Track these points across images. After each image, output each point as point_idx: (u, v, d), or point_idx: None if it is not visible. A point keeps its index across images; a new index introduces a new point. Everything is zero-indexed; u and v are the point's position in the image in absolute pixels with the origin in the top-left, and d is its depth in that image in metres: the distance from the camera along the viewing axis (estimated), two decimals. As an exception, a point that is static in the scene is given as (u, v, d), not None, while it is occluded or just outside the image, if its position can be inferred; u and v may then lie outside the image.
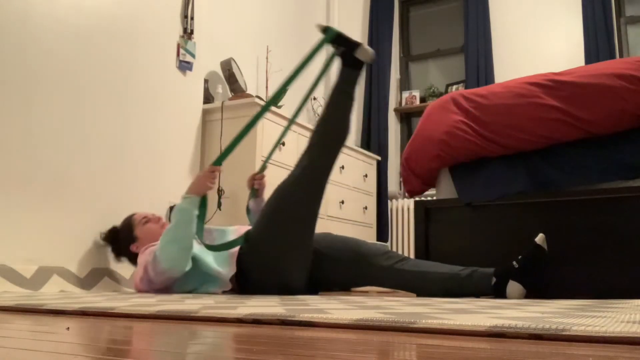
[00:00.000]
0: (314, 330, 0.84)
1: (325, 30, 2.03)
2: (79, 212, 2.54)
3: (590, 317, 0.91)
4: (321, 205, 2.04)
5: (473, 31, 4.56)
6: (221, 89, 3.52)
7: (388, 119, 4.82)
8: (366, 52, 2.00)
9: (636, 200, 1.96)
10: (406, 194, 4.62)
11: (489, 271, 1.91)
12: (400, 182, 4.84)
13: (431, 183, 2.48)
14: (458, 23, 4.95)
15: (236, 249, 2.08)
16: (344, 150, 4.07)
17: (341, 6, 5.32)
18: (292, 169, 2.19)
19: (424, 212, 2.36)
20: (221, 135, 3.27)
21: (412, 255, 4.43)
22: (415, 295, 2.09)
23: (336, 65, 2.66)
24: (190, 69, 3.23)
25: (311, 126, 3.65)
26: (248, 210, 2.40)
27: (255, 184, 2.40)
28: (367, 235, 4.27)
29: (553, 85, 2.09)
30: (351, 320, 0.88)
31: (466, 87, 4.52)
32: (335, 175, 3.92)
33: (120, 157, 2.77)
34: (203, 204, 2.10)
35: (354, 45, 2.01)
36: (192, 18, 3.23)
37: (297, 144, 3.52)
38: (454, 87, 4.77)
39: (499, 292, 1.87)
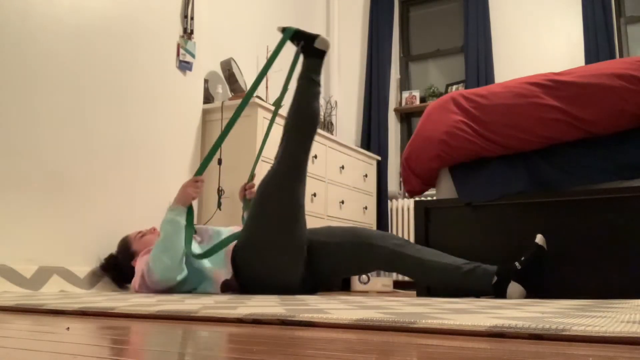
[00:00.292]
0: (314, 330, 0.84)
1: (284, 30, 2.20)
2: (79, 212, 2.54)
3: (590, 317, 0.91)
4: (305, 192, 2.10)
5: (473, 31, 4.56)
6: (221, 89, 3.52)
7: (388, 119, 4.82)
8: (324, 42, 2.16)
9: (636, 200, 1.96)
10: (406, 194, 4.62)
11: (491, 269, 1.91)
12: (400, 182, 4.84)
13: (431, 183, 2.48)
14: (458, 23, 4.95)
15: (230, 247, 2.09)
16: (344, 150, 4.08)
17: (341, 6, 5.32)
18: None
19: (424, 212, 2.36)
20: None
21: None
22: (414, 280, 2.08)
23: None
24: (190, 69, 3.23)
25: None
26: (244, 221, 2.41)
27: (247, 194, 2.43)
28: (367, 235, 4.26)
29: (553, 85, 2.09)
30: (351, 320, 0.88)
31: (466, 87, 4.52)
32: (335, 175, 3.92)
33: (120, 157, 2.77)
34: (189, 213, 2.13)
35: (313, 37, 2.16)
36: (192, 18, 3.23)
37: (297, 144, 3.51)
38: (454, 87, 4.77)
39: (499, 292, 1.87)
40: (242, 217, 2.45)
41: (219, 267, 2.07)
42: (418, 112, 4.98)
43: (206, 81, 3.47)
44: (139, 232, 2.38)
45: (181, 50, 3.16)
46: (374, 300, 1.56)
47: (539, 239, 1.93)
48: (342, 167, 4.02)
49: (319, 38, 2.15)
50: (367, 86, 4.96)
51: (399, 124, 5.09)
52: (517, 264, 1.89)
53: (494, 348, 0.64)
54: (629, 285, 1.93)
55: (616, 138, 2.06)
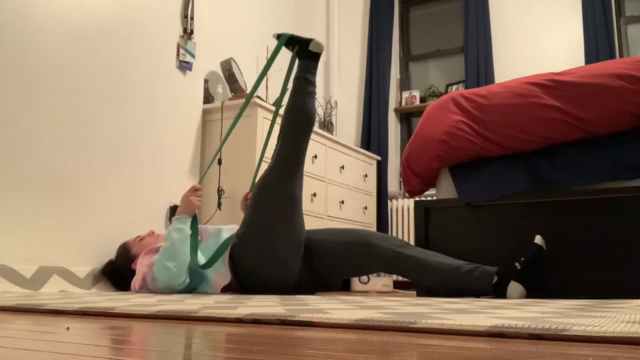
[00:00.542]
0: (314, 330, 0.84)
1: (279, 36, 2.27)
2: (79, 212, 2.54)
3: (590, 317, 0.91)
4: (302, 188, 2.15)
5: (473, 31, 4.56)
6: (221, 89, 3.52)
7: (388, 119, 4.82)
8: (318, 44, 2.23)
9: (636, 200, 1.96)
10: (406, 194, 4.62)
11: (491, 269, 1.91)
12: (400, 182, 4.84)
13: (431, 183, 2.48)
14: (458, 23, 4.95)
15: (228, 248, 2.10)
16: (344, 150, 4.08)
17: (341, 6, 5.32)
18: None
19: (424, 212, 2.36)
20: (221, 135, 3.27)
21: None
22: (414, 282, 2.09)
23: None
24: (190, 69, 3.23)
25: (311, 126, 3.66)
26: None
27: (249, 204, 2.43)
28: (367, 235, 4.26)
29: (553, 85, 2.09)
30: (351, 320, 0.88)
31: (466, 87, 4.52)
32: (335, 175, 3.92)
33: (120, 157, 2.77)
34: (194, 223, 2.15)
35: (307, 41, 2.23)
36: (192, 18, 3.23)
37: (297, 144, 3.51)
38: (454, 87, 4.77)
39: (499, 292, 1.87)
40: None
41: (218, 271, 2.08)
42: (418, 112, 4.98)
43: (206, 81, 3.47)
44: (138, 237, 2.39)
45: (181, 50, 3.16)
46: (374, 300, 1.56)
47: (538, 239, 1.94)
48: (342, 167, 4.02)
49: (313, 41, 2.22)
50: (367, 86, 4.96)
51: (399, 124, 5.09)
52: (517, 264, 1.89)
53: (494, 348, 0.64)
54: (629, 285, 1.93)
55: (616, 138, 2.06)
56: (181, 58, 3.16)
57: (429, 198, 4.14)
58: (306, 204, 3.54)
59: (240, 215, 3.06)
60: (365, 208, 4.30)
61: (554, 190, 2.12)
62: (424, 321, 0.83)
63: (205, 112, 3.35)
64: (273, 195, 2.09)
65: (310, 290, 2.18)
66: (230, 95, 3.58)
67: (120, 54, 2.81)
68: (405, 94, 4.98)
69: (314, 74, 2.23)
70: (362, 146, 4.83)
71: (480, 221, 2.24)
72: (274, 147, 3.01)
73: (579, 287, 2.01)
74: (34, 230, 2.35)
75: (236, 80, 3.49)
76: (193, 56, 3.24)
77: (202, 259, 2.11)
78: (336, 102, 4.94)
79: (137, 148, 2.87)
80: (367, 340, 0.71)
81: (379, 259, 2.05)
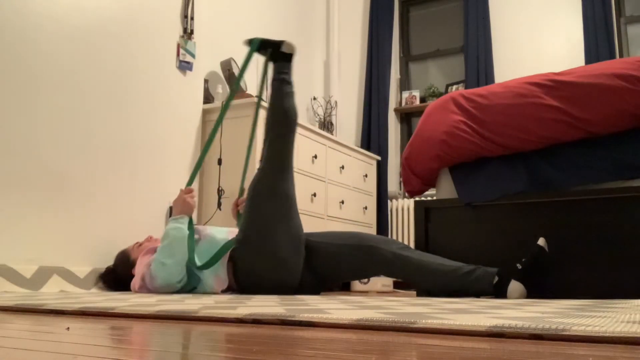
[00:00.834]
0: (314, 330, 0.84)
1: (250, 42, 2.30)
2: (79, 212, 2.54)
3: (590, 317, 0.91)
4: (294, 185, 2.17)
5: (473, 31, 4.56)
6: (221, 89, 3.52)
7: (388, 119, 4.82)
8: (290, 45, 2.27)
9: (636, 200, 1.96)
10: (406, 194, 4.62)
11: (492, 270, 1.91)
12: (400, 182, 4.84)
13: (431, 183, 2.48)
14: (458, 23, 4.95)
15: (228, 253, 2.11)
16: (344, 150, 4.08)
17: (341, 6, 5.32)
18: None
19: (424, 212, 2.36)
20: (221, 135, 3.27)
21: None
22: (415, 285, 2.09)
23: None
24: (190, 69, 3.23)
25: (311, 126, 3.66)
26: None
27: (240, 209, 2.44)
28: (367, 235, 4.26)
29: (553, 85, 2.09)
30: (351, 320, 0.88)
31: (466, 87, 4.52)
32: (335, 175, 3.92)
33: (121, 157, 2.77)
34: (190, 224, 2.16)
35: (279, 44, 2.27)
36: (192, 18, 3.23)
37: (297, 142, 3.51)
38: (454, 87, 4.77)
39: (499, 291, 1.88)
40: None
41: (216, 275, 2.09)
42: (418, 112, 4.98)
43: (206, 81, 3.47)
44: (136, 243, 2.39)
45: (181, 50, 3.16)
46: (374, 300, 1.56)
47: (541, 241, 1.94)
48: (342, 167, 4.02)
49: (284, 43, 2.26)
50: (367, 86, 4.96)
51: (399, 124, 5.09)
52: (518, 264, 1.89)
53: (494, 348, 0.64)
54: (629, 285, 1.93)
55: (616, 138, 2.06)
56: (181, 58, 3.16)
57: (429, 198, 4.14)
58: (306, 204, 3.54)
59: (233, 221, 3.07)
60: (365, 208, 4.29)
61: (554, 190, 2.12)
62: (424, 321, 0.83)
63: (205, 112, 3.35)
64: (268, 196, 2.10)
65: (312, 293, 2.18)
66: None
67: (120, 54, 2.81)
68: (405, 94, 4.98)
69: (289, 74, 2.26)
70: (362, 146, 4.83)
71: (480, 221, 2.24)
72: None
73: (579, 287, 2.01)
74: (34, 230, 2.35)
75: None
76: (193, 56, 3.24)
77: (197, 261, 2.11)
78: (336, 102, 4.94)
79: (137, 148, 2.87)
80: (367, 340, 0.71)
81: (380, 262, 2.05)
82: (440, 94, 4.84)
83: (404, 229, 4.55)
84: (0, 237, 2.22)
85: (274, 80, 2.24)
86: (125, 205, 2.77)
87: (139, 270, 2.11)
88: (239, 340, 0.71)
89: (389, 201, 4.67)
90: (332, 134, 4.59)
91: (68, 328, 0.88)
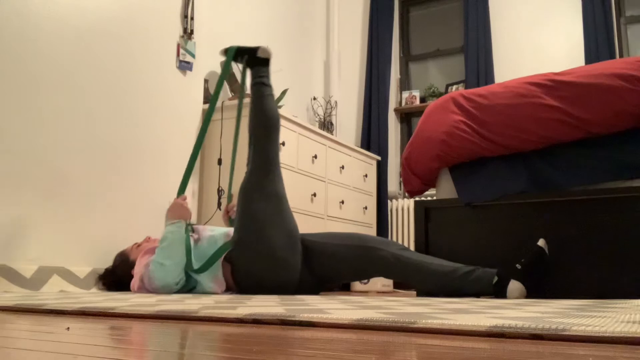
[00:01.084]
0: (314, 330, 0.84)
1: (226, 51, 2.36)
2: (79, 212, 2.54)
3: (590, 317, 0.91)
4: (283, 183, 2.21)
5: (473, 31, 4.56)
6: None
7: (388, 119, 4.82)
8: (265, 50, 2.32)
9: (636, 200, 1.96)
10: (406, 194, 4.62)
11: (491, 270, 1.92)
12: (400, 182, 4.84)
13: (431, 183, 2.48)
14: (458, 23, 4.95)
15: (225, 256, 2.12)
16: (344, 150, 4.08)
17: (341, 6, 5.32)
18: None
19: (424, 212, 2.36)
20: (221, 135, 3.27)
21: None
22: (414, 286, 2.09)
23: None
24: (190, 69, 3.23)
25: (311, 126, 3.66)
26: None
27: (231, 215, 2.46)
28: (367, 235, 4.26)
29: (553, 85, 2.09)
30: (351, 320, 0.88)
31: (466, 87, 4.52)
32: (335, 175, 3.92)
33: (121, 156, 2.77)
34: (186, 229, 2.17)
35: (254, 50, 2.33)
36: (192, 18, 3.23)
37: (297, 142, 3.52)
38: (454, 87, 4.77)
39: (499, 292, 1.88)
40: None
41: (214, 278, 2.09)
42: (418, 112, 4.98)
43: (206, 81, 3.47)
44: (135, 244, 2.40)
45: (181, 50, 3.16)
46: (374, 300, 1.56)
47: (541, 242, 1.94)
48: (342, 167, 4.02)
49: (260, 48, 2.32)
50: (367, 86, 4.96)
51: (399, 124, 5.09)
52: (517, 265, 1.89)
53: (494, 348, 0.64)
54: (629, 285, 1.93)
55: (616, 138, 2.06)
56: (181, 58, 3.16)
57: (429, 198, 4.14)
58: (306, 204, 3.54)
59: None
60: (365, 208, 4.29)
61: (554, 190, 2.12)
62: (424, 321, 0.83)
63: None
64: (258, 196, 2.13)
65: (312, 294, 2.18)
66: (230, 95, 3.58)
67: (120, 54, 2.81)
68: (405, 94, 4.98)
69: (267, 77, 2.32)
70: (362, 146, 4.83)
71: (480, 221, 2.24)
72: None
73: (579, 287, 2.01)
74: (34, 230, 2.35)
75: (236, 81, 3.49)
76: (193, 56, 3.24)
77: (195, 264, 2.12)
78: (336, 102, 4.94)
79: (137, 148, 2.87)
80: (367, 340, 0.71)
81: (380, 262, 2.05)
82: (440, 94, 4.84)
83: (404, 229, 4.55)
84: (0, 237, 2.22)
85: (253, 85, 2.29)
86: (125, 205, 2.77)
87: (137, 270, 2.11)
88: (238, 340, 0.71)
89: (389, 201, 4.67)
90: (332, 134, 4.59)
91: (68, 328, 0.88)
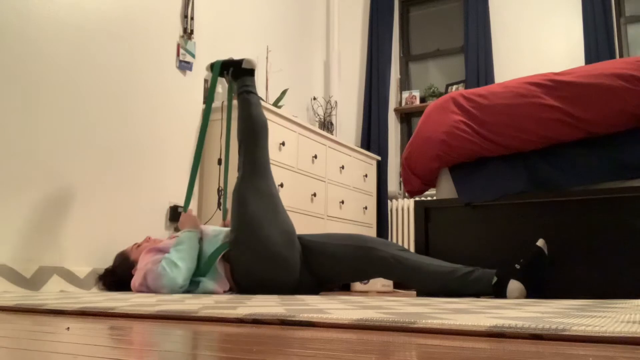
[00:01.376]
0: (314, 330, 0.84)
1: (212, 66, 2.46)
2: (79, 212, 2.54)
3: (590, 317, 0.91)
4: (274, 184, 2.26)
5: (473, 31, 4.56)
6: (221, 89, 3.52)
7: (388, 119, 4.82)
8: (250, 62, 2.41)
9: (636, 200, 1.96)
10: (406, 194, 4.62)
11: (490, 271, 1.92)
12: (400, 182, 4.84)
13: (431, 183, 2.48)
14: (458, 23, 4.95)
15: (225, 258, 2.14)
16: (344, 150, 4.08)
17: (341, 6, 5.32)
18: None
19: (423, 212, 2.36)
20: (221, 135, 3.26)
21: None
22: (414, 287, 2.09)
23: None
24: (190, 69, 3.23)
25: (311, 126, 3.66)
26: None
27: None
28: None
29: (553, 85, 2.09)
30: (351, 320, 0.88)
31: (466, 87, 4.52)
32: (335, 175, 3.92)
33: (120, 156, 2.77)
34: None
35: (239, 62, 2.42)
36: (192, 18, 3.23)
37: (297, 142, 3.52)
38: (454, 87, 4.77)
39: (499, 292, 1.88)
40: None
41: (215, 279, 2.10)
42: (418, 112, 4.98)
43: (206, 81, 3.47)
44: (135, 244, 2.40)
45: (181, 50, 3.16)
46: (374, 300, 1.56)
47: (540, 242, 1.94)
48: (342, 167, 4.02)
49: (244, 60, 2.41)
50: (367, 86, 4.96)
51: (399, 124, 5.09)
52: (516, 265, 1.89)
53: (494, 348, 0.64)
54: (629, 285, 1.93)
55: (616, 138, 2.06)
56: (181, 58, 3.16)
57: (429, 198, 4.14)
58: (306, 204, 3.54)
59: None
60: (365, 208, 4.29)
61: (554, 190, 2.12)
62: (424, 321, 0.83)
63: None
64: (252, 197, 2.16)
65: (311, 294, 2.18)
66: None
67: (120, 54, 2.81)
68: (405, 94, 4.98)
69: (253, 85, 2.39)
70: (362, 146, 4.83)
71: (480, 221, 2.24)
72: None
73: (579, 287, 2.01)
74: (34, 230, 2.35)
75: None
76: (193, 56, 3.24)
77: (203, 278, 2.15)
78: (336, 102, 4.94)
79: (137, 148, 2.87)
80: (367, 340, 0.71)
81: (379, 263, 2.05)
82: (440, 94, 4.84)
83: (404, 229, 4.55)
84: (0, 237, 2.22)
85: (239, 93, 2.36)
86: (125, 205, 2.77)
87: (141, 266, 2.11)
88: (238, 340, 0.71)
89: (389, 201, 4.67)
90: (332, 134, 4.59)
91: (68, 328, 0.88)
